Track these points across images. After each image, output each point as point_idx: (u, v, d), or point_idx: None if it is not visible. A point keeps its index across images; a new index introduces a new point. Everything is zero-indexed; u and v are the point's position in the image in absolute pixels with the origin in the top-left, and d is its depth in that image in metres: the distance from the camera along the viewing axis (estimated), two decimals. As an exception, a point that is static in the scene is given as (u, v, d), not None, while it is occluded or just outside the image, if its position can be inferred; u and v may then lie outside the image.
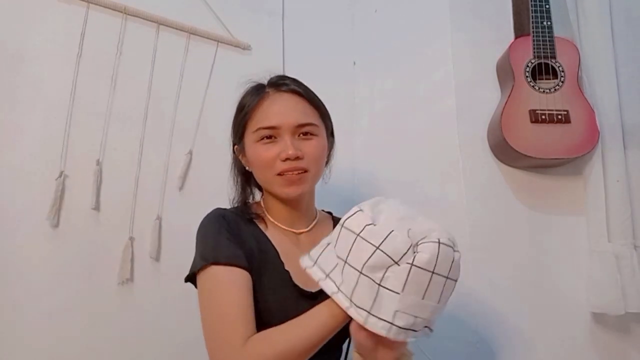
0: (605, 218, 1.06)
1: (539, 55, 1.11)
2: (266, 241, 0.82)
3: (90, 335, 1.03)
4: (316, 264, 0.68)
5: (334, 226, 0.91)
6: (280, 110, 0.80)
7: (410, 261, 0.60)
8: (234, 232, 0.78)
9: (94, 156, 1.08)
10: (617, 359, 1.08)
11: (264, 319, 0.71)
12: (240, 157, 0.88)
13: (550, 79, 1.11)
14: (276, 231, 0.85)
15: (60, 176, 1.03)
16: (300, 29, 1.45)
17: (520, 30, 1.21)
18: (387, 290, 0.60)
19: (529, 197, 1.14)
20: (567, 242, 1.12)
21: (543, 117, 1.07)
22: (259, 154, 0.80)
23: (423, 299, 0.60)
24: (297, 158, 0.78)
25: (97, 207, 1.07)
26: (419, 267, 0.59)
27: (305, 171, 0.80)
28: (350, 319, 0.64)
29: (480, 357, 1.06)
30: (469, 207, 1.12)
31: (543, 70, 1.11)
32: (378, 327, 0.59)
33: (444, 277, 0.61)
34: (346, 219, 0.67)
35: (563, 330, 1.08)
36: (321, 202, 0.95)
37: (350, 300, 0.61)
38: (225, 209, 0.84)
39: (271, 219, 0.86)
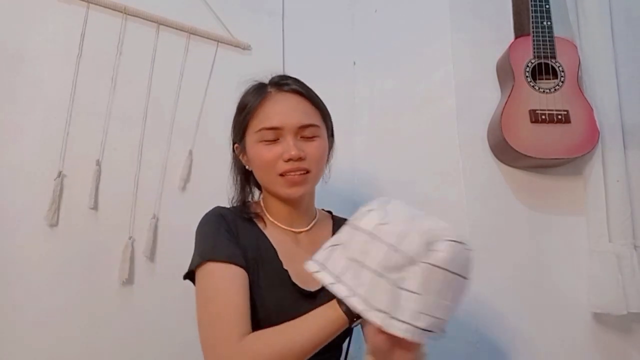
0: (605, 218, 1.07)
1: (539, 55, 1.11)
2: (265, 240, 0.82)
3: (90, 335, 1.03)
4: (324, 268, 0.66)
5: (334, 226, 0.92)
6: (283, 111, 0.80)
7: (428, 260, 0.59)
8: (232, 231, 0.78)
9: (93, 156, 1.08)
10: (617, 359, 1.08)
11: (262, 318, 0.72)
12: (240, 157, 0.87)
13: (550, 79, 1.11)
14: (275, 230, 0.85)
15: (58, 176, 1.03)
16: (300, 29, 1.45)
17: (520, 30, 1.21)
18: (406, 291, 0.59)
19: (529, 197, 1.14)
20: (567, 242, 1.12)
21: (543, 117, 1.07)
22: (261, 154, 0.80)
23: (441, 298, 0.59)
24: (300, 159, 0.78)
25: (96, 207, 1.07)
26: (437, 267, 0.58)
27: (307, 172, 0.80)
28: (350, 323, 0.64)
29: (480, 357, 1.06)
30: (469, 207, 1.12)
31: (543, 70, 1.11)
32: (400, 330, 0.58)
33: (459, 275, 0.60)
34: (358, 220, 0.65)
35: (563, 331, 1.08)
36: (321, 202, 0.95)
37: (368, 304, 0.60)
38: (224, 208, 0.84)
39: (270, 218, 0.86)
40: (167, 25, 1.21)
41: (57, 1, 1.08)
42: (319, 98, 0.86)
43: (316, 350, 0.65)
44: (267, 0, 1.42)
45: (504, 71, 1.16)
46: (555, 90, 1.10)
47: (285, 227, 0.86)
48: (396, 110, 1.36)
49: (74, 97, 1.07)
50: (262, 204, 0.89)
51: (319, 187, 0.89)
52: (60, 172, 1.03)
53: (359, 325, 0.85)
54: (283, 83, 0.83)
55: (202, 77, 1.26)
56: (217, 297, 0.70)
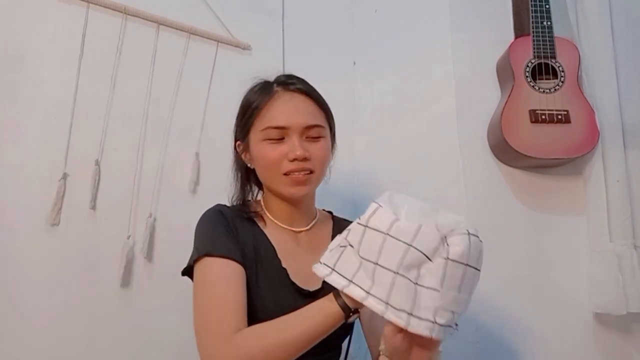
0: (605, 218, 1.06)
1: (539, 55, 1.11)
2: (264, 239, 0.82)
3: (89, 335, 1.03)
4: (334, 271, 0.65)
5: (334, 226, 0.91)
6: (290, 111, 0.80)
7: (445, 255, 0.58)
8: (231, 228, 0.78)
9: (93, 156, 1.08)
10: (618, 359, 1.08)
11: (261, 316, 0.71)
12: (242, 155, 0.87)
13: (550, 79, 1.11)
14: (275, 229, 0.85)
15: (63, 177, 1.03)
16: (300, 29, 1.45)
17: (520, 30, 1.21)
18: (425, 289, 0.58)
19: (529, 197, 1.14)
20: (567, 242, 1.12)
21: (543, 117, 1.07)
22: (265, 152, 0.80)
23: (459, 293, 0.59)
24: (305, 159, 0.79)
25: (95, 207, 1.07)
26: (454, 261, 0.58)
27: (311, 172, 0.80)
28: (346, 318, 0.63)
29: (480, 356, 1.06)
30: (469, 207, 1.12)
31: (543, 70, 1.11)
32: (421, 328, 0.57)
33: (474, 268, 0.60)
34: (369, 218, 0.64)
35: (564, 330, 1.07)
36: (321, 202, 0.95)
37: (387, 304, 0.59)
38: (224, 205, 0.85)
39: (270, 217, 0.86)
40: (167, 25, 1.21)
41: (57, 1, 1.08)
42: (323, 99, 0.86)
43: (311, 346, 0.64)
44: (267, 0, 1.42)
45: (504, 71, 1.16)
46: (555, 90, 1.10)
47: (285, 227, 0.86)
48: (396, 110, 1.36)
49: (74, 97, 1.07)
50: (262, 202, 0.89)
51: (319, 187, 0.89)
52: (64, 174, 1.04)
53: (360, 326, 0.86)
54: (289, 82, 0.83)
55: (202, 77, 1.26)
56: (213, 291, 0.70)
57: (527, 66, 1.11)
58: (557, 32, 1.13)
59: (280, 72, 0.88)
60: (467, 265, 0.58)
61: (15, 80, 1.02)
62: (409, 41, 1.35)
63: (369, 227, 0.63)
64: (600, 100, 1.10)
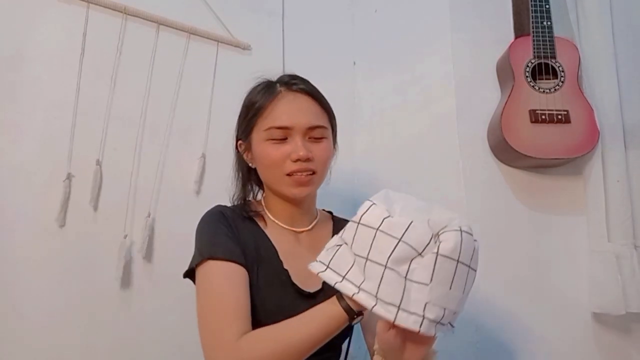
0: (605, 218, 1.06)
1: (539, 55, 1.11)
2: (265, 240, 0.82)
3: (90, 335, 1.03)
4: (329, 268, 0.66)
5: (334, 226, 0.91)
6: (293, 111, 0.80)
7: (435, 251, 0.58)
8: (232, 229, 0.78)
9: (94, 156, 1.08)
10: (617, 359, 1.08)
11: (262, 317, 0.71)
12: (244, 154, 0.87)
13: (550, 79, 1.11)
14: (276, 230, 0.85)
15: (67, 178, 1.03)
16: (300, 29, 1.45)
17: (520, 30, 1.21)
18: (415, 283, 0.58)
19: (529, 197, 1.14)
20: (567, 242, 1.12)
21: (543, 117, 1.07)
22: (268, 152, 0.80)
23: (450, 289, 0.59)
24: (308, 159, 0.79)
25: (96, 207, 1.07)
26: (445, 256, 0.58)
27: (314, 173, 0.80)
28: (350, 320, 0.63)
29: (480, 356, 1.06)
30: (469, 207, 1.12)
31: (543, 70, 1.11)
32: (409, 322, 0.57)
33: (467, 266, 0.60)
34: (362, 215, 0.65)
35: (563, 330, 1.08)
36: (321, 202, 0.95)
37: (376, 298, 0.59)
38: (225, 206, 0.84)
39: (271, 217, 0.86)
40: (167, 25, 1.21)
41: (57, 1, 1.08)
42: (326, 99, 0.86)
43: (316, 349, 0.65)
44: (267, 0, 1.42)
45: (504, 71, 1.16)
46: (555, 90, 1.10)
47: (286, 227, 0.86)
48: (396, 110, 1.36)
49: (75, 97, 1.07)
50: (263, 202, 0.89)
51: (319, 188, 0.89)
52: (69, 174, 1.04)
53: (360, 325, 0.85)
54: (293, 82, 0.83)
55: (202, 77, 1.25)
56: (216, 295, 0.70)
57: (527, 66, 1.11)
58: (557, 32, 1.13)
59: (281, 72, 0.88)
60: (458, 261, 0.58)
61: (15, 80, 1.02)
62: (409, 41, 1.35)
63: (362, 224, 0.64)
64: (600, 100, 1.10)
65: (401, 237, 0.59)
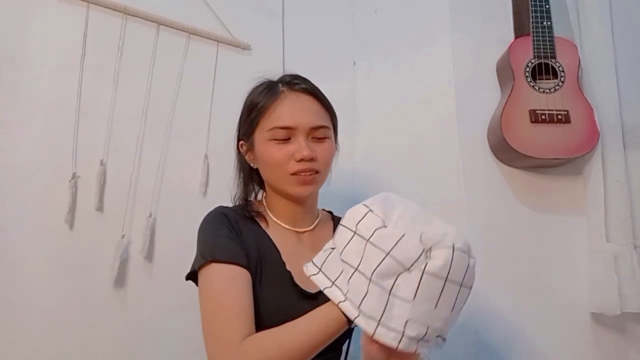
0: (605, 218, 1.06)
1: (539, 55, 1.11)
2: (268, 240, 0.82)
3: (90, 336, 1.03)
4: (321, 271, 0.65)
5: (334, 226, 0.91)
6: (296, 111, 0.80)
7: (422, 268, 0.56)
8: (234, 231, 0.78)
9: (96, 156, 1.08)
10: (616, 358, 1.08)
11: (264, 318, 0.71)
12: (246, 154, 0.87)
13: (550, 79, 1.11)
14: (278, 230, 0.84)
15: (73, 178, 1.03)
16: (300, 29, 1.45)
17: (520, 30, 1.21)
18: (398, 299, 0.57)
19: (529, 197, 1.14)
20: (567, 242, 1.12)
21: (543, 117, 1.07)
22: (271, 152, 0.80)
23: (436, 307, 0.57)
24: (311, 159, 0.79)
25: (100, 208, 1.07)
26: (431, 274, 0.56)
27: (317, 172, 0.80)
28: (349, 323, 0.63)
29: (480, 357, 1.06)
30: (469, 207, 1.12)
31: (543, 70, 1.11)
32: (388, 338, 0.56)
33: (458, 284, 0.58)
34: (355, 221, 0.64)
35: (563, 330, 1.08)
36: (321, 202, 0.95)
37: (359, 309, 0.58)
38: (226, 207, 0.84)
39: (273, 218, 0.86)
40: (167, 25, 1.21)
41: (57, 1, 1.08)
42: (327, 99, 0.86)
43: (319, 350, 0.65)
44: (267, 0, 1.42)
45: (504, 71, 1.16)
46: (555, 90, 1.10)
47: (288, 227, 0.85)
48: (396, 110, 1.36)
49: (75, 97, 1.07)
50: (264, 202, 0.89)
51: (320, 188, 0.89)
52: (74, 174, 1.04)
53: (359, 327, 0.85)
54: (295, 82, 0.83)
55: (202, 77, 1.26)
56: (219, 298, 0.70)
57: (527, 66, 1.11)
58: (557, 32, 1.13)
59: (281, 72, 0.88)
60: (447, 279, 0.56)
61: (15, 80, 1.02)
62: (409, 41, 1.35)
63: (353, 231, 0.63)
64: (600, 100, 1.11)
65: (389, 252, 0.58)
